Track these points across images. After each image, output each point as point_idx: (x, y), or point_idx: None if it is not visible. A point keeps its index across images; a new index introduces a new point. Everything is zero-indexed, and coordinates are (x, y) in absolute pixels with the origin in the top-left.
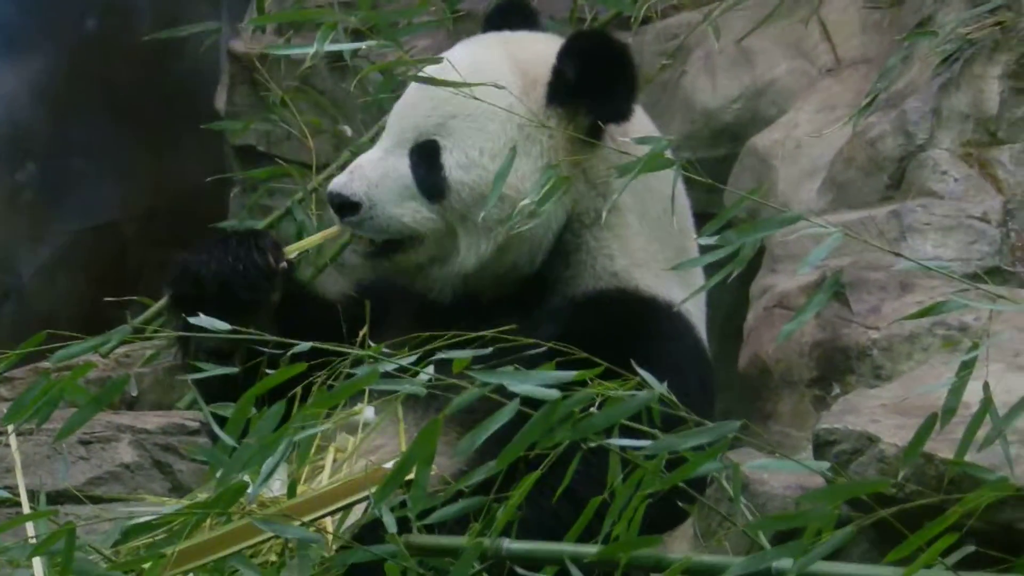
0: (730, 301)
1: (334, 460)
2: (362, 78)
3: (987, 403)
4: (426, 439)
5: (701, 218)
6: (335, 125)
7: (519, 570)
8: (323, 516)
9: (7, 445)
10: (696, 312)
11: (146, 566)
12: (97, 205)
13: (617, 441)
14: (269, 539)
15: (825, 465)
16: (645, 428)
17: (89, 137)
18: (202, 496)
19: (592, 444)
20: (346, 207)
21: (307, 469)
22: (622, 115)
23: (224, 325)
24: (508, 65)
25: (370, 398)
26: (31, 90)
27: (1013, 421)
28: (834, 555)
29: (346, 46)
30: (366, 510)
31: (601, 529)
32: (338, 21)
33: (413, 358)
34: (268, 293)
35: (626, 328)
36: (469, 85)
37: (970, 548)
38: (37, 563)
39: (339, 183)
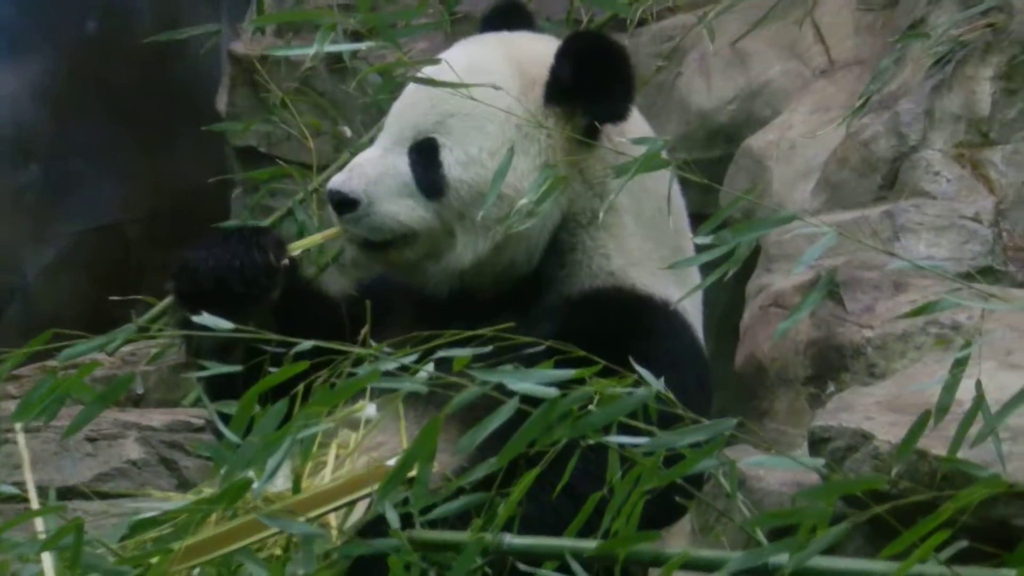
0: (726, 300)
1: (336, 456)
2: (361, 79)
3: (979, 401)
4: (427, 437)
5: (697, 218)
6: (335, 126)
7: (520, 565)
8: (327, 512)
9: (15, 442)
10: (692, 311)
11: (153, 561)
12: (100, 206)
13: (615, 438)
14: (274, 534)
15: (820, 462)
16: (643, 425)
17: (91, 139)
18: (207, 491)
19: (591, 441)
20: (345, 204)
21: (310, 465)
22: (619, 116)
23: (227, 323)
24: (506, 65)
25: (371, 396)
26: (34, 92)
27: (1005, 418)
28: (830, 550)
29: (345, 47)
30: (369, 506)
31: (600, 524)
32: (337, 23)
33: (414, 357)
34: (266, 290)
35: (623, 326)
36: (468, 85)
37: (963, 543)
38: (46, 558)
39: (338, 181)
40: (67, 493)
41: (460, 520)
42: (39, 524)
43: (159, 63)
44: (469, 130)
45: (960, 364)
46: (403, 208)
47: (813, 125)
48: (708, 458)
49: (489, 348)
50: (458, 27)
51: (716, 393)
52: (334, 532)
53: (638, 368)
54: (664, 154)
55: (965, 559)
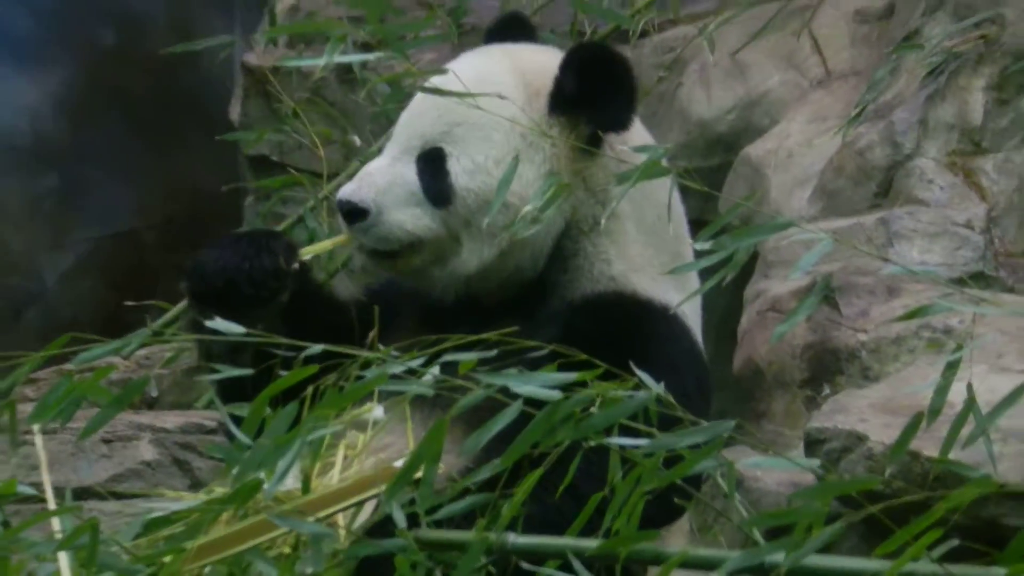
0: (725, 305)
1: (344, 457)
2: (371, 89)
3: (971, 403)
4: (434, 438)
5: (696, 225)
6: (345, 135)
7: (524, 563)
8: (335, 512)
9: (33, 444)
10: (692, 315)
11: (166, 559)
12: (116, 213)
13: (616, 440)
14: (283, 534)
15: (816, 463)
16: (643, 427)
17: (108, 147)
18: (219, 491)
19: (592, 443)
20: (354, 213)
21: (319, 466)
22: (621, 125)
23: (238, 328)
24: (512, 76)
25: (379, 398)
26: (52, 102)
27: (996, 420)
28: (825, 549)
29: (355, 58)
30: (376, 506)
31: (602, 524)
32: (347, 34)
33: (420, 360)
34: (275, 292)
35: (624, 330)
36: (474, 95)
37: (955, 542)
38: (63, 557)
39: (348, 190)
40: (83, 493)
41: (465, 520)
42: (56, 524)
43: (174, 74)
44: (475, 139)
45: (952, 367)
46: (411, 216)
47: (810, 134)
48: (707, 459)
49: (494, 352)
50: (465, 39)
51: (715, 395)
52: (342, 532)
53: (639, 371)
54: (665, 162)
55: (957, 557)
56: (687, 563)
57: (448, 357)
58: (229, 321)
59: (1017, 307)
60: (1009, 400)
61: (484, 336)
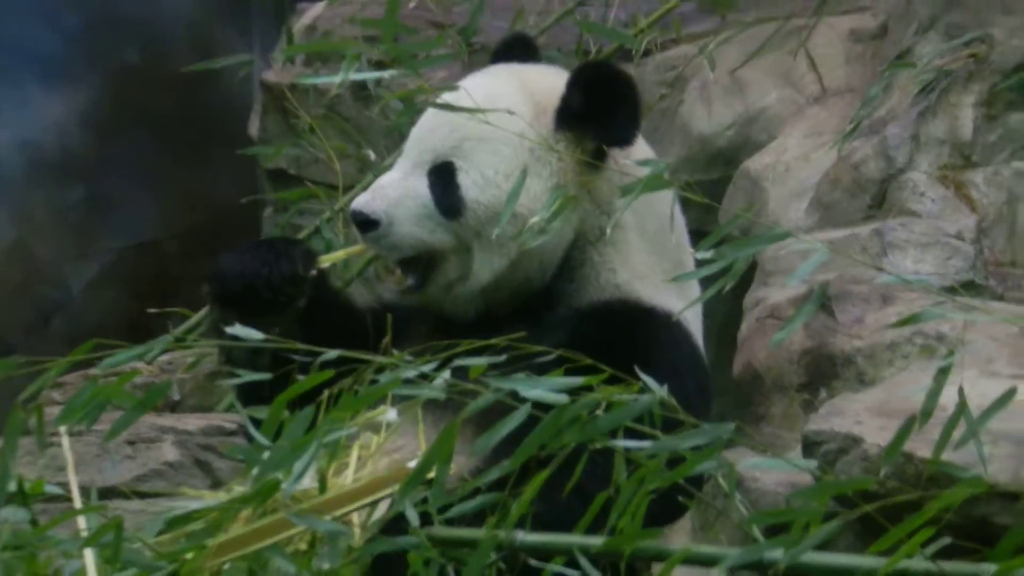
0: (725, 312)
1: (359, 458)
2: (384, 105)
3: (962, 406)
4: (445, 440)
5: (697, 235)
6: (359, 149)
7: (532, 560)
8: (351, 511)
9: (60, 445)
10: (693, 322)
11: (188, 556)
12: (140, 224)
13: (621, 442)
14: (301, 531)
15: (813, 464)
16: (647, 430)
17: (132, 161)
18: (238, 490)
19: (598, 445)
20: (367, 224)
21: (334, 466)
22: (626, 140)
23: (257, 334)
24: (519, 94)
25: (392, 402)
26: (78, 118)
27: (986, 423)
28: (822, 547)
29: (369, 76)
30: (390, 505)
31: (607, 522)
32: (362, 53)
33: (432, 365)
34: (292, 298)
35: (629, 336)
36: (484, 111)
37: (947, 540)
38: (88, 554)
39: (361, 202)
40: (108, 493)
41: (476, 518)
42: (81, 522)
43: (195, 91)
44: (485, 154)
45: (944, 372)
46: (422, 227)
47: (807, 148)
48: (708, 460)
49: (503, 357)
50: (475, 57)
51: (715, 399)
52: (357, 529)
53: (643, 376)
54: (667, 175)
55: (949, 555)
56: (689, 559)
57: (459, 362)
58: (248, 324)
59: (1006, 314)
60: (999, 404)
61: (494, 342)
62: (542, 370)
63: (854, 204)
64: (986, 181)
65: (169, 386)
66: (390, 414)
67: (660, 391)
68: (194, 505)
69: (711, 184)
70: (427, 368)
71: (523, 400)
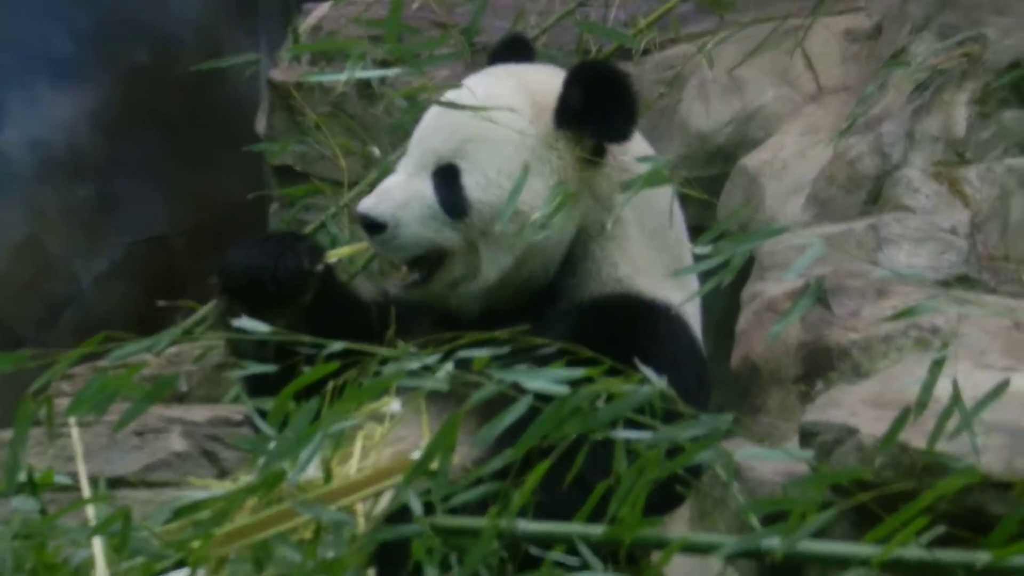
0: (723, 305)
1: (363, 448)
2: (388, 103)
3: (956, 398)
4: (448, 431)
5: (696, 231)
6: (364, 146)
7: (533, 549)
8: (355, 500)
9: (69, 436)
10: (692, 315)
11: (195, 544)
12: (148, 220)
13: (621, 432)
14: (306, 520)
15: (809, 454)
16: (647, 420)
17: (141, 158)
18: (244, 479)
19: (599, 435)
20: (375, 227)
21: (339, 456)
22: (623, 137)
23: (263, 326)
24: (519, 93)
25: (396, 393)
26: (88, 117)
27: (979, 414)
28: (818, 535)
29: (374, 74)
30: (394, 495)
31: (607, 511)
32: (367, 52)
33: (436, 357)
34: (297, 292)
35: (629, 329)
36: (486, 109)
37: (941, 529)
38: (96, 542)
39: (367, 205)
40: (116, 483)
41: (478, 508)
42: (90, 511)
43: (203, 90)
44: (487, 154)
45: (938, 364)
46: (428, 228)
47: (803, 146)
48: (707, 450)
49: (505, 349)
50: (477, 56)
51: (714, 391)
52: (361, 519)
53: (642, 368)
54: (666, 172)
55: (943, 543)
56: (688, 547)
57: (462, 354)
58: (255, 317)
59: (999, 308)
60: (992, 395)
61: (496, 334)
62: (544, 362)
63: (850, 200)
64: (979, 177)
65: (177, 378)
66: (394, 405)
67: (660, 383)
68: (201, 494)
69: (709, 180)
70: (430, 360)
71: (525, 392)
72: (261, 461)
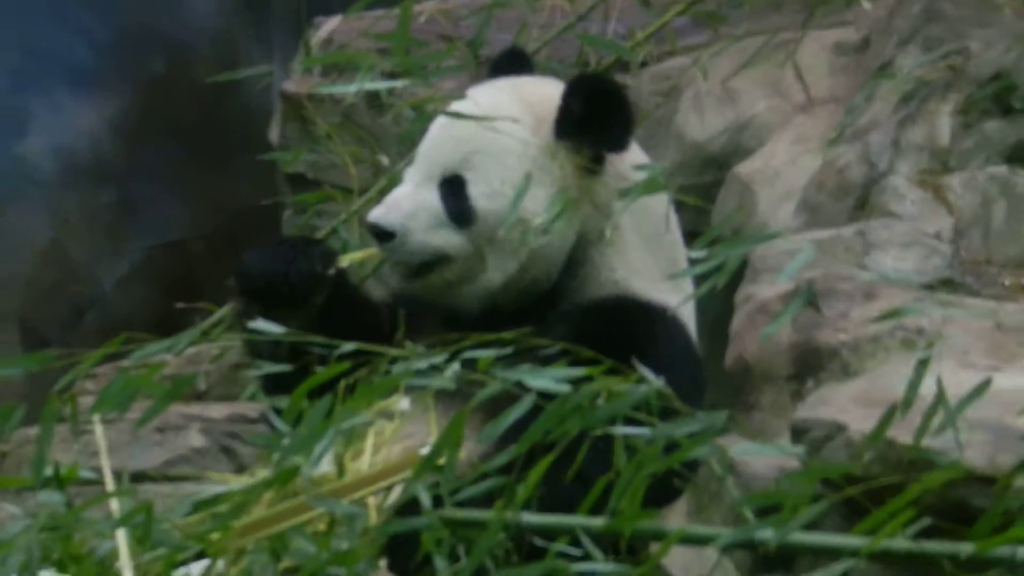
0: (718, 308)
1: (374, 445)
2: (396, 114)
3: (940, 396)
4: (455, 428)
5: (691, 236)
6: (373, 155)
7: (537, 540)
8: (367, 494)
9: (93, 432)
10: (688, 316)
11: (214, 536)
12: (168, 225)
13: (621, 429)
14: (320, 513)
15: (800, 449)
16: (645, 418)
17: (160, 166)
18: (260, 474)
19: (599, 432)
20: (384, 235)
21: (351, 452)
22: (621, 146)
23: (278, 328)
24: (520, 105)
25: (405, 391)
26: (109, 125)
27: (963, 411)
28: (809, 527)
29: (382, 85)
30: (404, 489)
31: (608, 504)
32: (375, 64)
33: (443, 357)
34: (309, 295)
35: (627, 331)
36: (490, 119)
37: (927, 521)
38: (120, 534)
39: (377, 214)
40: (138, 477)
41: (484, 501)
42: (114, 505)
43: (219, 100)
44: (492, 165)
45: (923, 363)
46: (436, 237)
47: (794, 154)
48: (702, 446)
49: (510, 350)
50: (482, 69)
51: (709, 389)
52: (373, 512)
53: (640, 368)
54: (662, 179)
55: (929, 535)
56: (685, 539)
57: (468, 354)
58: (269, 318)
59: (982, 310)
60: (975, 393)
61: (501, 336)
62: (546, 362)
63: (839, 206)
64: (963, 185)
65: (195, 377)
66: (403, 403)
67: (657, 382)
68: (219, 489)
69: (704, 187)
70: (438, 360)
71: (528, 390)
72: (276, 456)
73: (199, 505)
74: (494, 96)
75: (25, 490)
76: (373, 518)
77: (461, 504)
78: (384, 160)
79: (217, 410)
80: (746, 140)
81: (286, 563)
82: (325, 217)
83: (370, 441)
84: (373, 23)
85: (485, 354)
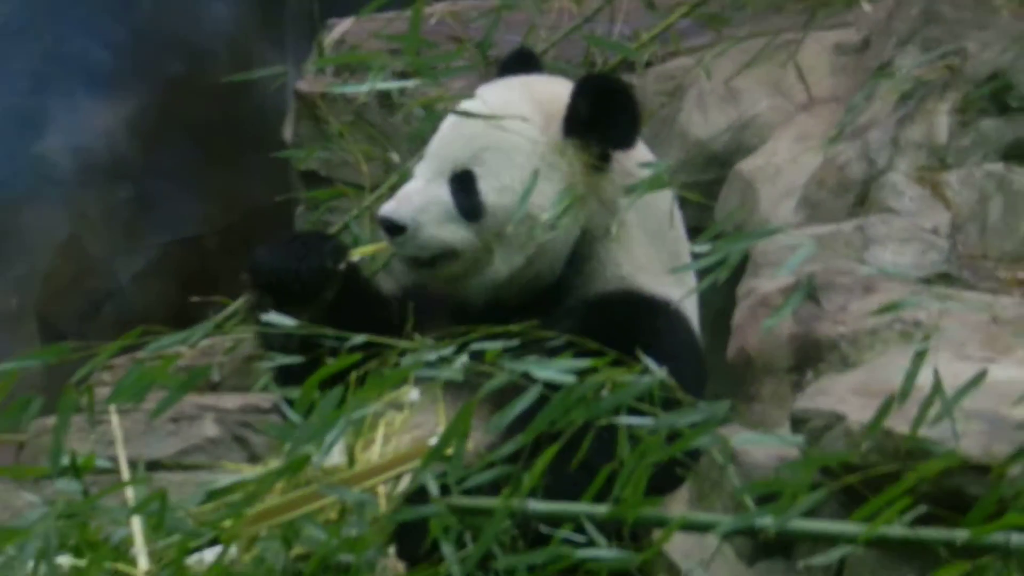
0: (720, 301)
1: (384, 435)
2: (407, 113)
3: (937, 387)
4: (463, 418)
5: (694, 231)
6: (384, 153)
7: (543, 527)
8: (377, 483)
9: (109, 422)
10: (691, 310)
11: (227, 524)
12: (183, 221)
13: (624, 419)
14: (331, 502)
15: (800, 439)
16: (648, 408)
17: (176, 164)
18: (273, 463)
19: (603, 422)
20: (395, 229)
21: (362, 442)
22: (628, 144)
23: (291, 321)
24: (529, 104)
25: (415, 382)
26: (127, 124)
27: (959, 402)
28: (808, 514)
29: (393, 85)
30: (413, 478)
31: (611, 492)
32: (387, 65)
33: (451, 349)
34: (319, 289)
35: (632, 324)
36: (499, 118)
37: (923, 509)
38: (136, 522)
39: (388, 209)
40: (153, 466)
41: (491, 489)
42: (129, 493)
43: (234, 100)
44: (501, 161)
45: (920, 355)
46: (446, 231)
47: (795, 152)
48: (704, 436)
49: (517, 342)
50: (491, 69)
51: (710, 380)
52: (383, 500)
53: (644, 359)
54: (666, 177)
55: (925, 522)
56: (687, 526)
57: (476, 346)
58: (282, 311)
59: (978, 303)
60: (971, 384)
61: (508, 328)
62: (552, 354)
63: (839, 203)
64: (960, 181)
65: (209, 368)
66: (412, 394)
67: (660, 373)
68: (233, 477)
69: (707, 184)
70: (446, 352)
71: (534, 381)
72: (288, 446)
73: (213, 493)
74: (504, 94)
75: (43, 479)
76: (383, 506)
77: (468, 492)
78: (395, 158)
79: (230, 401)
80: (748, 138)
81: (298, 550)
82: (337, 213)
83: (380, 431)
84: (385, 25)
85: (492, 346)
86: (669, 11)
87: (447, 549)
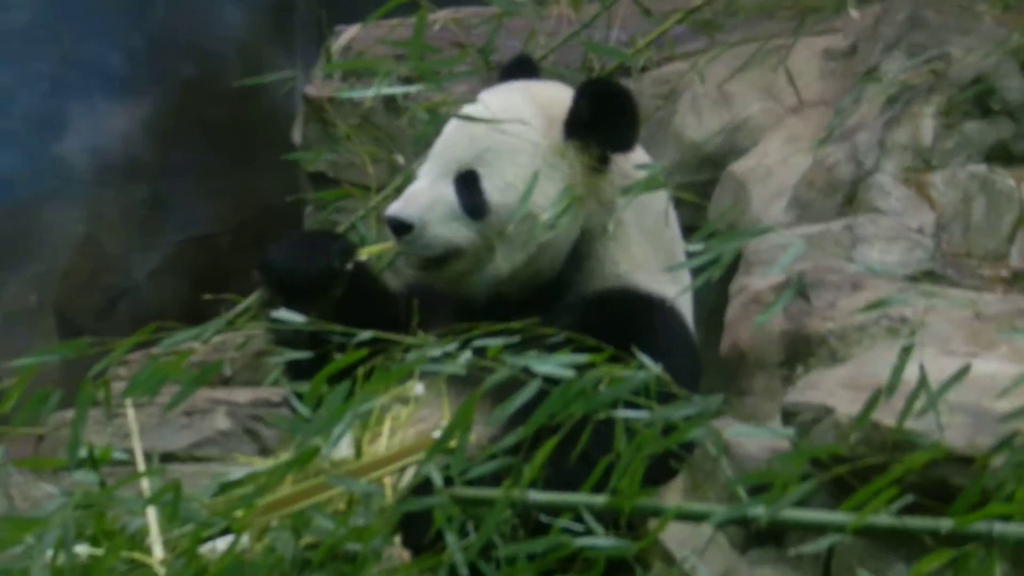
0: (714, 298)
1: (390, 429)
2: (412, 116)
3: (923, 381)
4: (466, 411)
5: (688, 230)
6: (390, 155)
7: (543, 517)
8: (383, 474)
9: (125, 416)
10: (686, 307)
11: (238, 514)
12: (196, 220)
13: (621, 412)
14: (339, 493)
15: (790, 431)
16: (644, 402)
17: (189, 165)
18: (283, 456)
19: (601, 415)
20: (401, 228)
21: (369, 435)
22: (627, 147)
23: (300, 317)
24: (531, 107)
25: (419, 377)
26: (142, 126)
27: (944, 395)
28: (799, 504)
29: (399, 90)
30: (418, 470)
31: (609, 483)
32: (392, 70)
33: (455, 345)
34: (326, 287)
35: (628, 320)
36: (501, 121)
37: (909, 499)
38: (151, 512)
39: (395, 208)
40: (167, 458)
41: (493, 480)
42: (144, 484)
43: (245, 103)
44: (504, 162)
45: (907, 351)
46: (451, 229)
47: (786, 153)
48: (698, 429)
49: (518, 338)
50: (493, 74)
51: (704, 375)
52: (389, 491)
53: (640, 355)
54: (662, 178)
55: (911, 511)
56: (682, 516)
57: (479, 342)
58: (291, 308)
59: (962, 300)
60: (955, 378)
61: (509, 325)
62: (552, 350)
63: (828, 203)
64: (944, 182)
65: (221, 363)
66: (418, 388)
67: (656, 368)
68: (244, 469)
69: (701, 185)
70: (450, 348)
71: (535, 376)
72: (298, 438)
73: (225, 485)
74: (507, 98)
75: (61, 470)
76: (389, 497)
77: (471, 483)
78: (400, 160)
79: (242, 395)
80: (740, 140)
81: (307, 539)
82: (344, 213)
83: (387, 425)
84: (390, 31)
85: (494, 342)
86: (664, 17)
87: (450, 538)
